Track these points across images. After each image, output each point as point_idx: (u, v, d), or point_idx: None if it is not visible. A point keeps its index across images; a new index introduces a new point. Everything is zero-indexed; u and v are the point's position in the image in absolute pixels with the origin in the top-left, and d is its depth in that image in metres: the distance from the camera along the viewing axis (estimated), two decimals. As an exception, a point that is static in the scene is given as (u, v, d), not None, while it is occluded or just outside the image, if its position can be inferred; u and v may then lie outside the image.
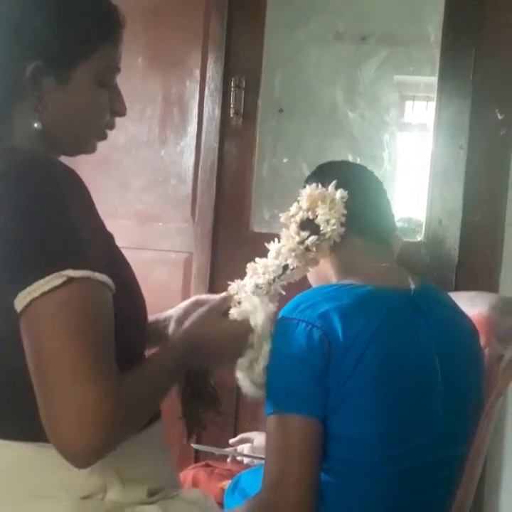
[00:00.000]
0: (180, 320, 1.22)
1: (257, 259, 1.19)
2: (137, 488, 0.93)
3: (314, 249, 1.15)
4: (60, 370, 0.77)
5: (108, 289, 0.83)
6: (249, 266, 1.19)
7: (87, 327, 0.79)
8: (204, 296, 1.26)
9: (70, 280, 0.78)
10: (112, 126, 1.02)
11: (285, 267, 1.16)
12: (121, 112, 1.01)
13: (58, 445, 0.78)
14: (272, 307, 1.09)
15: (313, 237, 1.14)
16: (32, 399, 0.85)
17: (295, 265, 1.16)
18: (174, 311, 1.27)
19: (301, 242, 1.15)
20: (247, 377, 1.06)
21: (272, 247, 1.18)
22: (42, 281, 0.77)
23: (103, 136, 1.02)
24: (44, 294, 0.77)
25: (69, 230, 0.82)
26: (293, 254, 1.15)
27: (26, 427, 0.87)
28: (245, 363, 1.05)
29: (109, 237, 0.94)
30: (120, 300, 0.87)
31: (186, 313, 1.22)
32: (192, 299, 1.28)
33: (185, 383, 1.12)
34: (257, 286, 1.15)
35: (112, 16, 0.96)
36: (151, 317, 1.27)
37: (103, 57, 0.94)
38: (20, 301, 0.78)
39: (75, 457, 0.79)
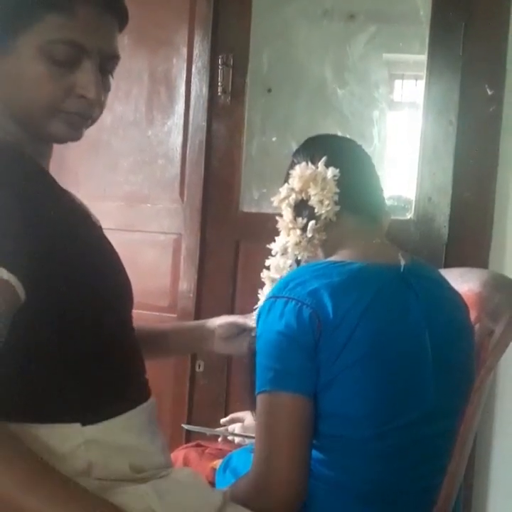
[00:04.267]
0: (224, 337, 1.31)
1: (267, 262, 1.19)
2: (119, 463, 0.93)
3: (317, 234, 1.14)
4: None
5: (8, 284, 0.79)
6: (264, 275, 1.20)
7: None
8: (241, 320, 1.31)
9: None
10: (81, 111, 0.94)
11: (298, 262, 1.16)
12: (85, 94, 0.92)
13: None
14: None
15: (312, 223, 1.13)
16: (15, 379, 0.84)
17: (306, 257, 1.15)
18: (216, 326, 1.32)
19: (302, 231, 1.14)
20: None
21: (275, 246, 1.19)
22: None
23: (70, 119, 0.94)
24: None
25: None
26: (300, 248, 1.15)
27: (11, 407, 0.86)
28: None
29: (68, 224, 0.91)
30: (85, 285, 0.87)
31: (227, 332, 1.31)
32: (229, 319, 1.33)
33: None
34: None
35: None
36: (177, 325, 1.32)
37: (50, 28, 0.88)
38: None
39: None
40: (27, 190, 0.84)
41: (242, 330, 1.30)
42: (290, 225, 1.16)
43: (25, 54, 0.89)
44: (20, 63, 0.89)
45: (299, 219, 1.15)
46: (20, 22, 0.88)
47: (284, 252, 1.17)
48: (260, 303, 1.18)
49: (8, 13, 0.88)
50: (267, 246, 1.21)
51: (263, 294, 1.19)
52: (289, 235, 1.16)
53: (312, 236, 1.14)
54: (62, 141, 0.97)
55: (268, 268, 1.21)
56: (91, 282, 0.92)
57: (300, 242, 1.15)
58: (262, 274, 1.20)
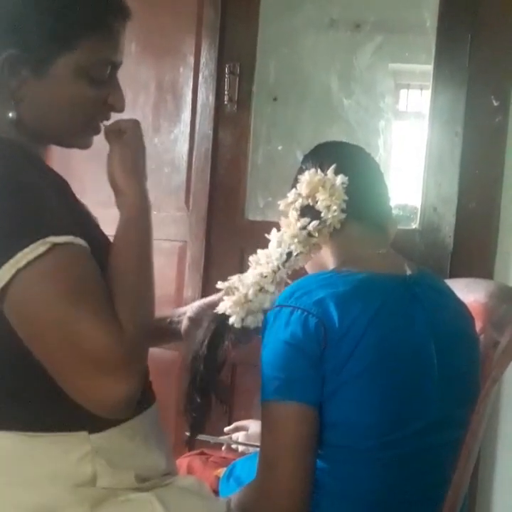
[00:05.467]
0: (193, 317, 1.25)
1: (258, 251, 1.17)
2: (126, 473, 0.93)
3: (316, 234, 1.13)
4: (63, 330, 0.77)
5: (88, 251, 0.84)
6: (252, 258, 1.17)
7: (76, 285, 0.79)
8: (216, 298, 1.26)
9: (54, 246, 0.78)
10: (107, 119, 0.99)
11: (289, 254, 1.14)
12: (116, 107, 0.97)
13: (95, 406, 0.79)
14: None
15: (314, 222, 1.12)
16: (21, 387, 0.84)
17: (299, 251, 1.14)
18: (189, 307, 1.27)
19: (303, 228, 1.13)
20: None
21: (273, 236, 1.17)
22: (26, 250, 0.77)
23: (96, 131, 0.99)
24: (29, 263, 0.77)
25: (43, 202, 0.82)
26: (296, 240, 1.13)
27: (16, 416, 0.87)
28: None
29: (81, 212, 0.95)
30: None
31: (197, 313, 1.25)
32: (205, 299, 1.29)
33: (192, 379, 1.12)
34: (261, 275, 1.13)
35: (101, 5, 0.91)
36: (166, 313, 1.29)
37: (89, 50, 0.90)
38: (3, 276, 0.77)
39: (117, 406, 0.79)
40: (48, 174, 0.88)
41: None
42: (292, 222, 1.15)
43: (65, 76, 0.90)
44: (59, 85, 0.90)
45: (303, 219, 1.14)
46: (61, 46, 0.89)
47: (280, 242, 1.16)
48: (226, 283, 1.16)
49: (48, 37, 0.88)
50: (266, 235, 1.18)
51: (241, 278, 1.15)
52: (288, 228, 1.15)
53: (309, 233, 1.13)
54: (76, 148, 1.01)
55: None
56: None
57: (297, 235, 1.13)
58: (250, 258, 1.17)
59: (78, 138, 0.98)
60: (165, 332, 1.28)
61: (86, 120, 0.96)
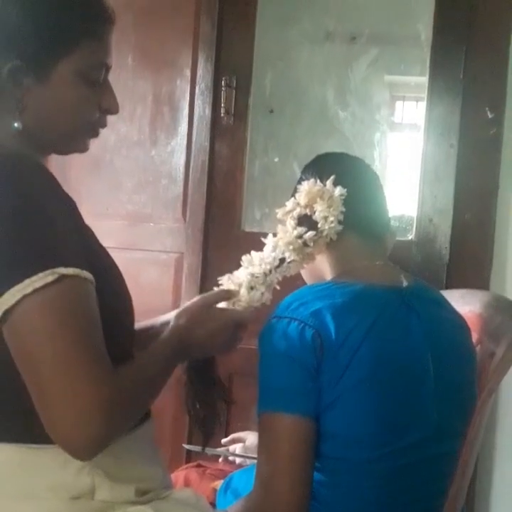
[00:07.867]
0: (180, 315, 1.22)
1: (252, 252, 1.17)
2: (125, 487, 0.93)
3: (312, 244, 1.13)
4: (56, 364, 0.78)
5: (92, 285, 0.85)
6: (245, 258, 1.17)
7: (78, 321, 0.80)
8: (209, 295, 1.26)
9: (62, 277, 0.79)
10: (103, 124, 1.01)
11: (282, 260, 1.14)
12: (111, 109, 0.99)
13: (60, 440, 0.79)
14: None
15: (311, 233, 1.12)
16: (19, 400, 0.84)
17: (292, 258, 1.14)
18: (172, 313, 1.27)
19: (299, 237, 1.13)
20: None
21: (269, 240, 1.17)
22: (34, 278, 0.78)
23: (94, 134, 1.01)
24: (36, 290, 0.78)
25: (54, 229, 0.83)
26: (290, 247, 1.13)
27: (14, 428, 0.87)
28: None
29: (88, 235, 0.94)
30: (99, 295, 0.87)
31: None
32: (195, 299, 1.28)
33: (189, 383, 1.12)
34: (253, 275, 1.14)
35: (92, 10, 0.94)
36: (147, 322, 1.28)
37: (86, 53, 0.93)
38: (9, 299, 0.78)
39: (78, 450, 0.80)
40: (65, 199, 0.89)
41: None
42: (289, 229, 1.15)
43: (64, 80, 0.92)
44: (60, 90, 0.93)
45: (300, 228, 1.14)
46: (59, 51, 0.91)
47: (275, 247, 1.15)
48: (223, 281, 1.15)
49: (47, 43, 0.90)
50: (262, 239, 1.19)
51: (231, 277, 1.15)
52: (284, 234, 1.15)
53: (305, 243, 1.13)
54: (76, 152, 1.02)
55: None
56: (111, 294, 0.92)
57: (292, 243, 1.13)
58: (243, 257, 1.17)
59: (78, 142, 1.00)
60: (149, 342, 1.28)
61: (86, 123, 0.98)
